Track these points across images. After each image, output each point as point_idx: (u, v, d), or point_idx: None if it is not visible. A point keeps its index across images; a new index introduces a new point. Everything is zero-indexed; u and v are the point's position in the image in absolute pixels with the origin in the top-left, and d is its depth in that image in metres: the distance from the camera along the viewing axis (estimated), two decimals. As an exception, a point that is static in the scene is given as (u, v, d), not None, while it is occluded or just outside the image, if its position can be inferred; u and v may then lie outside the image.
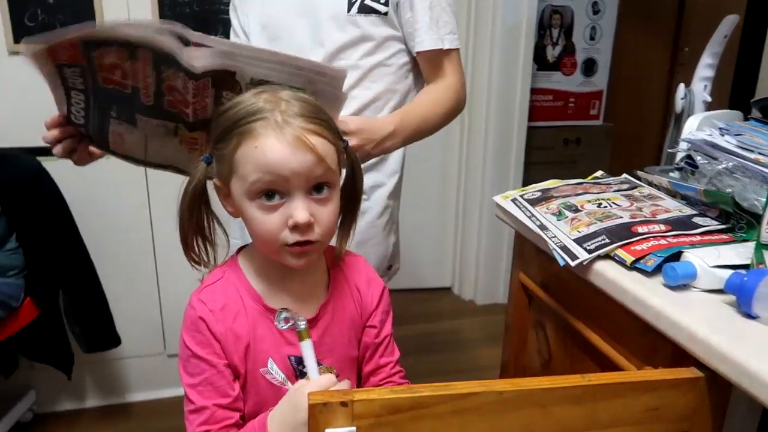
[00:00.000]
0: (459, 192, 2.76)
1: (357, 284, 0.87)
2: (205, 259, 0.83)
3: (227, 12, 1.77)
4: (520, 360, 1.18)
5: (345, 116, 0.95)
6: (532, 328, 1.14)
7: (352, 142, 0.89)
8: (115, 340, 1.79)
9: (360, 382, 0.90)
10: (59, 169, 1.70)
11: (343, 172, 0.83)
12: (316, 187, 0.73)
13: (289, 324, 0.77)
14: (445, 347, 2.46)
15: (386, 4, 1.08)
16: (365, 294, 0.87)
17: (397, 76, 1.15)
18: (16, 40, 1.65)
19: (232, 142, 0.72)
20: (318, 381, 0.71)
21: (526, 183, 2.63)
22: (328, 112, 0.77)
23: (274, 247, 0.74)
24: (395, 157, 1.20)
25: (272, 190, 0.71)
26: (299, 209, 0.71)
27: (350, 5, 1.07)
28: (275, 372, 0.80)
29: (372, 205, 1.19)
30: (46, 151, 1.72)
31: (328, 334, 0.83)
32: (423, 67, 1.17)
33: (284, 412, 0.72)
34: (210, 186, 0.80)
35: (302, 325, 0.74)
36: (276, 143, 0.70)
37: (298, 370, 0.80)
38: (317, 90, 0.81)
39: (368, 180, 1.11)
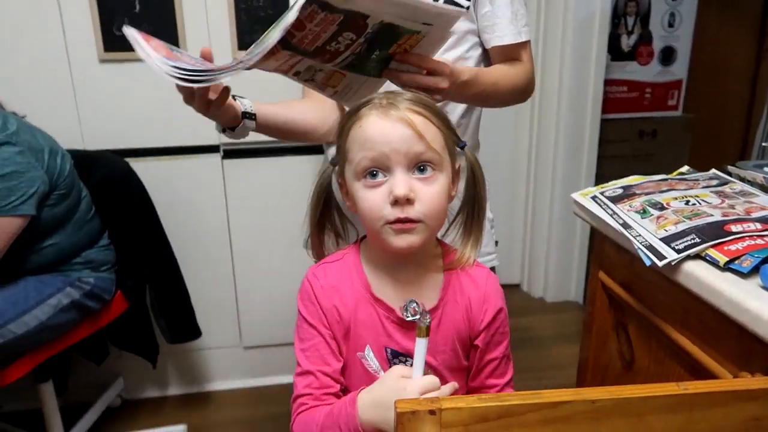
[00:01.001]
0: (529, 186, 2.71)
1: (471, 297, 0.83)
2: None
3: (299, 14, 1.83)
4: (600, 360, 1.16)
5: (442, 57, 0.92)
6: (613, 329, 1.11)
7: (444, 84, 0.88)
8: (196, 332, 1.88)
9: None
10: (145, 170, 1.80)
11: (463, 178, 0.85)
12: (418, 167, 0.74)
13: (414, 316, 0.77)
14: (517, 345, 2.43)
15: None
16: (477, 310, 0.83)
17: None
18: (106, 49, 1.75)
19: (344, 133, 0.78)
20: (423, 379, 0.70)
21: (599, 177, 2.55)
22: (429, 52, 0.79)
23: (377, 226, 0.75)
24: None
25: (375, 168, 0.74)
26: (399, 183, 0.72)
27: None
28: (371, 359, 0.82)
29: None
30: (133, 153, 1.83)
31: (432, 339, 0.80)
32: (497, 59, 1.15)
33: (378, 393, 0.71)
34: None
35: (426, 321, 0.71)
36: (377, 119, 0.74)
37: (392, 363, 0.81)
38: (429, 31, 0.81)
39: None
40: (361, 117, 0.75)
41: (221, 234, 2.00)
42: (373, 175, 0.74)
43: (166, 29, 1.76)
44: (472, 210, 0.85)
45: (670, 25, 2.53)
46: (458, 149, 0.81)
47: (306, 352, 0.81)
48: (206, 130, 1.89)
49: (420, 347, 0.71)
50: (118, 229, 1.67)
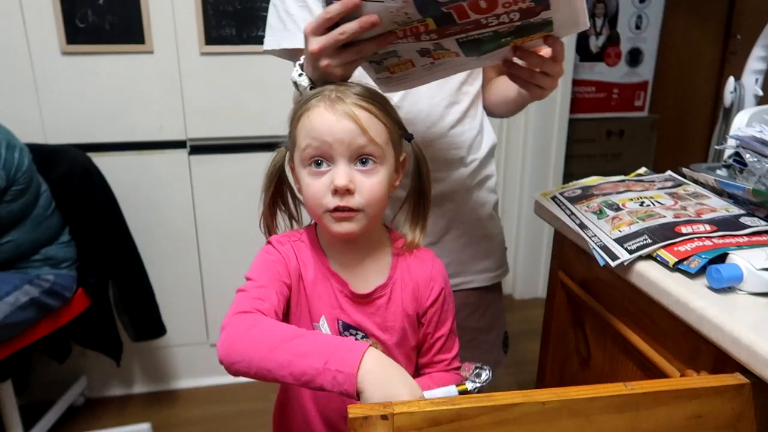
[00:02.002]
0: (498, 185, 2.73)
1: (417, 278, 0.88)
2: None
3: (266, 9, 1.81)
4: (558, 357, 1.18)
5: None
6: (571, 327, 1.13)
7: (558, 69, 0.86)
8: (161, 330, 1.86)
9: (417, 372, 0.91)
10: (108, 165, 1.77)
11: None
12: (361, 159, 0.77)
13: (472, 377, 0.78)
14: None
15: None
16: (424, 288, 0.88)
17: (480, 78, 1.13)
18: (69, 41, 1.72)
19: (294, 120, 0.81)
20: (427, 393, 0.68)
21: (567, 176, 2.58)
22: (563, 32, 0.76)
23: (318, 212, 0.79)
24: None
25: (319, 158, 0.77)
26: (339, 174, 0.76)
27: None
28: (325, 330, 0.84)
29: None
30: (97, 147, 1.80)
31: (381, 315, 0.85)
32: (497, 69, 1.12)
33: (391, 370, 0.66)
34: None
35: (470, 386, 0.73)
36: (324, 111, 0.77)
37: (342, 334, 0.85)
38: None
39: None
40: (310, 108, 0.78)
41: (188, 230, 1.98)
42: (318, 164, 0.78)
43: (131, 22, 1.73)
44: (417, 199, 0.89)
45: (638, 27, 2.58)
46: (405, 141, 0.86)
47: (248, 293, 0.77)
48: (172, 126, 1.87)
49: (448, 391, 0.70)
50: (80, 225, 1.63)
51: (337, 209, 0.77)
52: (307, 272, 0.85)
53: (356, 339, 0.83)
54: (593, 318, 1.04)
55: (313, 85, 0.84)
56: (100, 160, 1.74)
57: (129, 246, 1.77)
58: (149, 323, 1.83)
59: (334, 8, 0.74)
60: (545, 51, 0.83)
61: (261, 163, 1.93)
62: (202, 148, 1.90)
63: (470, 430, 0.61)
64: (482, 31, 0.76)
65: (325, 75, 0.81)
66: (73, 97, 1.78)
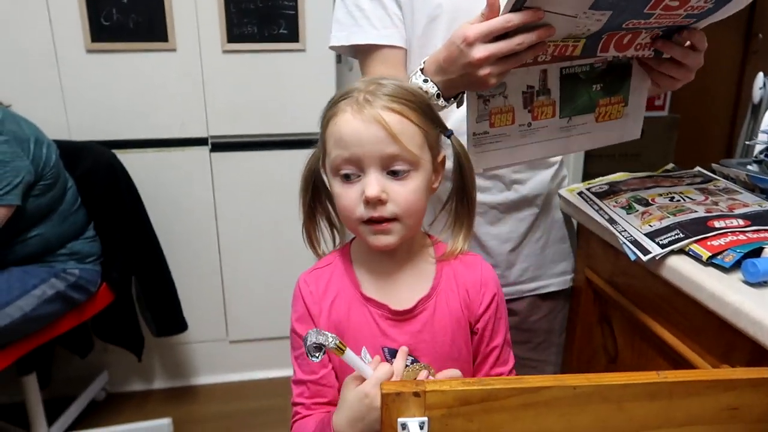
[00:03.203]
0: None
1: (467, 284, 0.82)
2: (330, 243, 0.87)
3: (290, 8, 1.83)
4: (584, 355, 1.17)
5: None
6: (597, 324, 1.12)
7: (698, 60, 0.86)
8: (182, 325, 1.87)
9: None
10: (131, 161, 1.79)
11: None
12: (393, 166, 0.73)
13: (321, 351, 0.68)
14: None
15: None
16: (474, 296, 0.81)
17: None
18: (93, 39, 1.74)
19: (324, 123, 0.76)
20: (376, 372, 0.69)
21: (586, 175, 2.56)
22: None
23: (353, 224, 0.76)
24: None
25: (349, 166, 0.73)
26: (370, 184, 0.72)
27: None
28: (367, 360, 0.80)
29: None
30: (120, 144, 1.82)
31: (427, 330, 0.79)
32: None
33: (346, 412, 0.70)
34: None
35: (331, 343, 0.67)
36: (351, 118, 0.72)
37: (391, 362, 0.77)
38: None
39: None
40: (337, 112, 0.73)
41: (208, 227, 1.99)
42: (347, 175, 0.74)
43: (154, 20, 1.75)
44: (460, 198, 0.83)
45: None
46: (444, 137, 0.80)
47: (297, 360, 0.81)
48: (194, 123, 1.88)
49: (349, 358, 0.69)
50: (104, 221, 1.65)
51: (371, 220, 0.73)
52: (339, 303, 0.80)
53: (406, 366, 0.77)
54: (621, 315, 1.03)
55: (440, 92, 0.81)
56: (124, 157, 1.76)
57: (152, 242, 1.78)
58: (171, 319, 1.84)
59: (518, 18, 0.71)
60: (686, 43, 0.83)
61: (282, 160, 1.96)
62: (223, 145, 1.92)
63: (500, 411, 0.61)
64: (585, 62, 0.84)
65: (478, 84, 0.77)
66: (97, 95, 1.80)
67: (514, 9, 0.72)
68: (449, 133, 0.80)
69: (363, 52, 1.02)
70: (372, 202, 0.72)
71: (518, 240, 1.09)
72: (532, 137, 0.89)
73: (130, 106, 1.83)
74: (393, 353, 0.78)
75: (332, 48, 1.03)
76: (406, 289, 0.80)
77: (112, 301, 1.70)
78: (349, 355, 0.69)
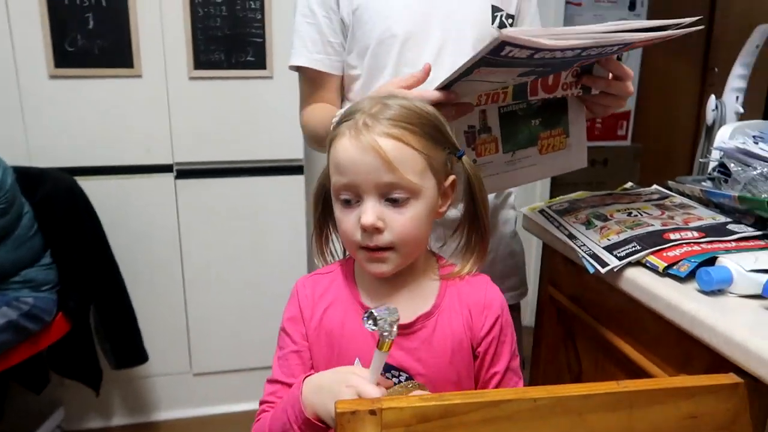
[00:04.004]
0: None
1: (470, 304, 0.78)
2: (341, 256, 0.87)
3: (258, 35, 1.85)
4: (550, 374, 1.16)
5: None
6: (562, 342, 1.11)
7: (625, 87, 0.91)
8: (142, 357, 1.81)
9: None
10: (94, 188, 1.75)
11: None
12: (391, 194, 0.71)
13: (375, 327, 0.65)
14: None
15: (512, 25, 1.09)
16: (477, 317, 0.78)
17: None
18: (57, 65, 1.72)
19: (328, 144, 0.75)
20: (371, 389, 0.63)
21: (553, 204, 2.60)
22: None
23: (352, 248, 0.75)
24: None
25: (347, 192, 0.72)
26: (366, 212, 0.70)
27: (493, 19, 1.06)
28: None
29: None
30: (83, 171, 1.79)
31: (425, 349, 0.76)
32: None
33: (325, 378, 0.69)
34: None
35: (387, 336, 0.64)
36: (348, 145, 0.71)
37: (384, 376, 0.74)
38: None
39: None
40: (338, 136, 0.73)
41: (173, 255, 1.95)
42: (347, 200, 0.73)
43: (120, 47, 1.74)
44: (472, 222, 0.80)
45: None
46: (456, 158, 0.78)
47: (279, 360, 0.80)
48: (159, 149, 1.86)
49: (377, 360, 0.65)
50: (62, 248, 1.61)
51: (367, 248, 0.72)
52: (334, 311, 0.79)
53: (400, 382, 0.75)
54: (584, 331, 1.03)
55: None
56: (86, 184, 1.72)
57: (112, 270, 1.73)
58: (131, 350, 1.78)
59: (433, 96, 0.79)
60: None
61: (249, 187, 1.95)
62: (189, 172, 1.89)
63: (460, 427, 0.60)
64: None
65: None
66: (59, 121, 1.77)
67: (447, 86, 0.80)
68: (460, 154, 0.77)
69: (300, 73, 1.10)
70: (368, 230, 0.71)
71: None
72: (516, 165, 0.96)
73: (93, 133, 1.81)
74: (388, 368, 0.75)
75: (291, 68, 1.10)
76: (407, 304, 0.77)
77: (68, 331, 1.63)
78: (380, 356, 0.65)
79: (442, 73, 1.00)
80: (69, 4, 1.69)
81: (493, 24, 1.05)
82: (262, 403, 0.79)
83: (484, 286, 0.80)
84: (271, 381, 0.80)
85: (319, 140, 1.05)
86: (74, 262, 1.63)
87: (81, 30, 1.71)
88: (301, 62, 1.06)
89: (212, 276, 1.99)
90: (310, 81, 1.08)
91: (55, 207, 1.61)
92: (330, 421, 0.65)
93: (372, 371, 0.65)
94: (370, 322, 0.64)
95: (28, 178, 1.58)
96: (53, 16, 1.69)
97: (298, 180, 1.96)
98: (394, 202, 0.71)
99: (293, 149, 1.92)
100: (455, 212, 0.83)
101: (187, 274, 1.98)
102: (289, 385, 0.76)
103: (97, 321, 1.73)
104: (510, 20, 1.07)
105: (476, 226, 0.80)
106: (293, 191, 1.97)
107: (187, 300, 1.99)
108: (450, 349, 0.76)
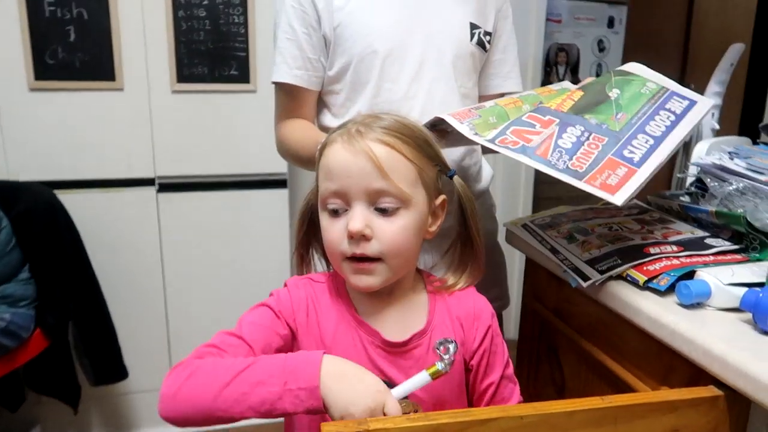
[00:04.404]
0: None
1: (460, 318, 0.77)
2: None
3: (241, 49, 1.85)
4: (533, 389, 1.16)
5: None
6: (545, 356, 1.12)
7: None
8: (122, 373, 1.78)
9: None
10: (75, 202, 1.73)
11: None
12: (381, 202, 0.69)
13: (445, 355, 0.66)
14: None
15: (489, 42, 1.10)
16: (468, 330, 0.77)
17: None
18: (37, 77, 1.70)
19: (319, 156, 0.74)
20: (394, 406, 0.62)
21: (535, 217, 2.62)
22: None
23: (336, 259, 0.72)
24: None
25: (336, 199, 0.70)
26: (354, 218, 0.69)
27: (472, 35, 1.08)
28: None
29: None
30: (63, 185, 1.76)
31: (420, 368, 0.72)
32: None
33: (351, 377, 0.63)
34: None
35: (444, 367, 0.65)
36: (340, 149, 0.70)
37: None
38: None
39: None
40: (329, 143, 0.72)
41: (154, 270, 1.92)
42: (335, 209, 0.71)
43: (102, 59, 1.73)
44: (464, 242, 0.79)
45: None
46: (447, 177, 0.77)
47: (251, 325, 0.73)
48: (141, 163, 1.85)
49: (418, 379, 0.65)
50: (41, 263, 1.58)
51: (353, 257, 0.70)
52: (327, 321, 0.75)
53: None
54: (567, 345, 1.04)
55: None
56: (66, 198, 1.70)
57: (92, 285, 1.71)
58: (110, 366, 1.75)
59: None
60: None
61: (231, 201, 1.94)
62: (171, 185, 1.88)
63: (448, 446, 0.60)
64: None
65: None
66: (39, 134, 1.75)
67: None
68: (451, 173, 0.77)
69: (279, 88, 1.10)
70: (355, 238, 0.69)
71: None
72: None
73: (74, 146, 1.78)
74: (388, 385, 0.73)
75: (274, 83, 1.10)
76: (400, 321, 0.76)
77: (46, 347, 1.60)
78: (424, 378, 0.65)
79: (421, 91, 1.02)
80: (50, 17, 1.68)
81: (471, 41, 1.07)
82: (206, 346, 0.70)
83: (471, 297, 0.79)
84: (229, 334, 0.71)
85: (298, 158, 1.06)
86: (53, 277, 1.60)
87: (62, 43, 1.70)
88: (282, 78, 1.06)
89: (194, 291, 1.97)
90: (289, 95, 1.08)
91: (34, 221, 1.58)
92: (336, 412, 0.61)
93: (406, 387, 0.65)
94: (445, 348, 0.65)
95: (6, 191, 1.56)
96: (34, 29, 1.67)
97: (281, 194, 1.96)
98: (384, 212, 0.69)
99: (277, 163, 1.91)
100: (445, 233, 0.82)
101: (169, 288, 1.95)
102: (250, 347, 0.70)
103: (76, 337, 1.70)
104: (488, 37, 1.09)
105: (469, 246, 0.79)
106: (277, 205, 1.96)
107: (168, 315, 1.97)
108: None
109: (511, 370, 0.80)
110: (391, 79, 1.02)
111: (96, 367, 1.72)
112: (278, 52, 1.07)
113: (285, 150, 1.11)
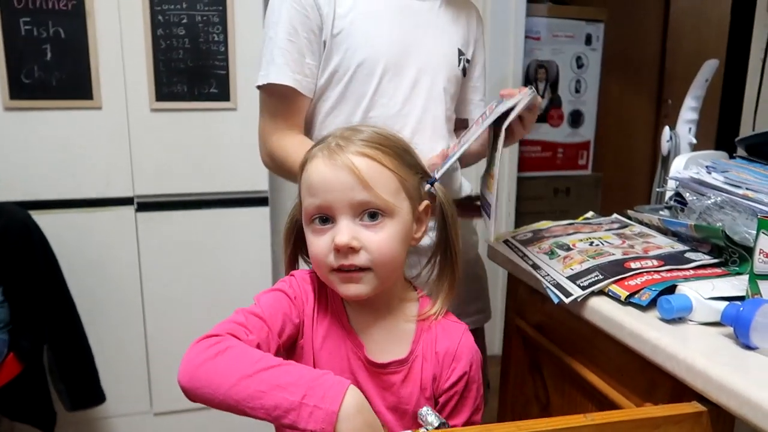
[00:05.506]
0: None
1: (441, 352, 0.77)
2: None
3: (221, 67, 1.84)
4: (517, 406, 1.15)
5: None
6: (528, 372, 1.11)
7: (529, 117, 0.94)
8: (100, 397, 1.73)
9: None
10: (51, 222, 1.69)
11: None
12: (367, 213, 0.70)
13: (422, 421, 0.67)
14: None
15: (467, 70, 1.13)
16: (444, 368, 0.76)
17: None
18: (12, 97, 1.68)
19: (301, 171, 0.75)
20: None
21: (518, 232, 2.63)
22: None
23: (324, 273, 0.73)
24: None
25: (321, 214, 0.71)
26: (340, 231, 0.69)
27: (459, 61, 1.09)
28: None
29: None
30: (39, 205, 1.73)
31: (394, 393, 0.76)
32: (459, 124, 1.18)
33: (369, 413, 0.63)
34: None
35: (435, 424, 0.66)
36: (321, 164, 0.71)
37: None
38: None
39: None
40: (310, 159, 0.73)
41: (133, 291, 1.89)
42: (322, 221, 0.71)
43: (79, 78, 1.71)
44: (444, 252, 0.80)
45: (577, 91, 2.72)
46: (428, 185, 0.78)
47: (270, 301, 0.74)
48: (119, 182, 1.82)
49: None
50: (15, 285, 1.54)
51: (341, 269, 0.70)
52: (320, 325, 0.76)
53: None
54: (551, 361, 1.03)
55: None
56: (42, 218, 1.67)
57: (68, 308, 1.67)
58: (87, 390, 1.70)
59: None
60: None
61: (212, 220, 1.91)
62: (150, 204, 1.85)
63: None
64: None
65: None
66: (15, 154, 1.72)
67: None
68: (432, 180, 0.78)
69: (268, 93, 1.03)
70: (342, 251, 0.69)
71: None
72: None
73: (51, 165, 1.76)
74: None
75: (259, 87, 1.04)
76: (384, 342, 0.76)
77: (20, 372, 1.55)
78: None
79: (415, 110, 1.04)
80: (26, 35, 1.66)
81: (459, 66, 1.09)
82: (224, 327, 0.69)
83: (459, 336, 0.78)
84: (251, 312, 0.71)
85: (292, 174, 1.02)
86: (28, 300, 1.56)
87: (38, 61, 1.68)
88: (284, 80, 0.99)
89: (174, 312, 1.93)
90: (284, 100, 1.02)
91: (8, 243, 1.54)
92: None
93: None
94: (429, 419, 0.66)
95: (-21, 212, 1.52)
96: (9, 47, 1.65)
97: (263, 212, 1.94)
98: (370, 220, 0.70)
99: (258, 180, 1.90)
100: (428, 240, 0.83)
101: (148, 310, 1.92)
102: (270, 330, 0.71)
103: (52, 360, 1.65)
104: (468, 64, 1.12)
105: (448, 254, 0.79)
106: (258, 223, 1.94)
107: (147, 337, 1.93)
108: (415, 399, 0.76)
109: (479, 417, 0.80)
110: (387, 94, 1.02)
111: (72, 392, 1.67)
112: (280, 52, 0.99)
113: (278, 163, 1.04)
